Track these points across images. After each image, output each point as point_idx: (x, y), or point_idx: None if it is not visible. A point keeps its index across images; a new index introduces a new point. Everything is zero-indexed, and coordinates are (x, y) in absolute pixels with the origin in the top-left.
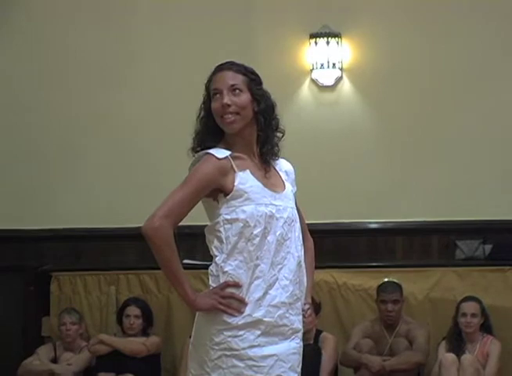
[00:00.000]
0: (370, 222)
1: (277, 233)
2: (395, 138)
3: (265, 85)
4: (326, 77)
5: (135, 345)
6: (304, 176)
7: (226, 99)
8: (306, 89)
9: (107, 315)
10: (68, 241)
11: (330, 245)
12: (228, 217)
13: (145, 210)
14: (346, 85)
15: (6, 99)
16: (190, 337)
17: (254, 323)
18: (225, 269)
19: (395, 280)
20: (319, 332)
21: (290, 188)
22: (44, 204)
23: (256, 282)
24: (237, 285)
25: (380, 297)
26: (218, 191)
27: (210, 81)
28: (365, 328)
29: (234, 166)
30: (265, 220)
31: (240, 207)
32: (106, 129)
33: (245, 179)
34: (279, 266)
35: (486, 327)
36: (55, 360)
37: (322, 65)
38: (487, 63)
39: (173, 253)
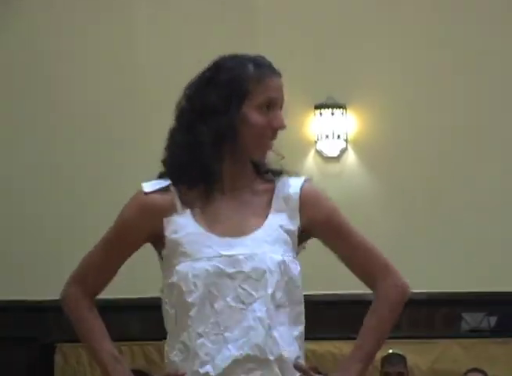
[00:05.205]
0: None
1: (228, 298)
2: (400, 209)
3: (270, 155)
4: (331, 149)
5: None
6: (309, 246)
7: (285, 121)
8: (311, 160)
9: None
10: None
11: (334, 316)
12: (165, 281)
13: (147, 281)
14: (351, 157)
15: None
16: None
17: None
18: (170, 357)
19: (400, 352)
20: None
21: (274, 222)
22: (47, 274)
23: (202, 370)
24: None
25: (384, 368)
26: (160, 241)
27: (257, 81)
28: None
29: (178, 202)
30: (206, 281)
31: (175, 267)
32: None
33: (179, 225)
34: (239, 343)
35: None
36: None
37: (326, 136)
38: (491, 128)
39: (84, 325)
